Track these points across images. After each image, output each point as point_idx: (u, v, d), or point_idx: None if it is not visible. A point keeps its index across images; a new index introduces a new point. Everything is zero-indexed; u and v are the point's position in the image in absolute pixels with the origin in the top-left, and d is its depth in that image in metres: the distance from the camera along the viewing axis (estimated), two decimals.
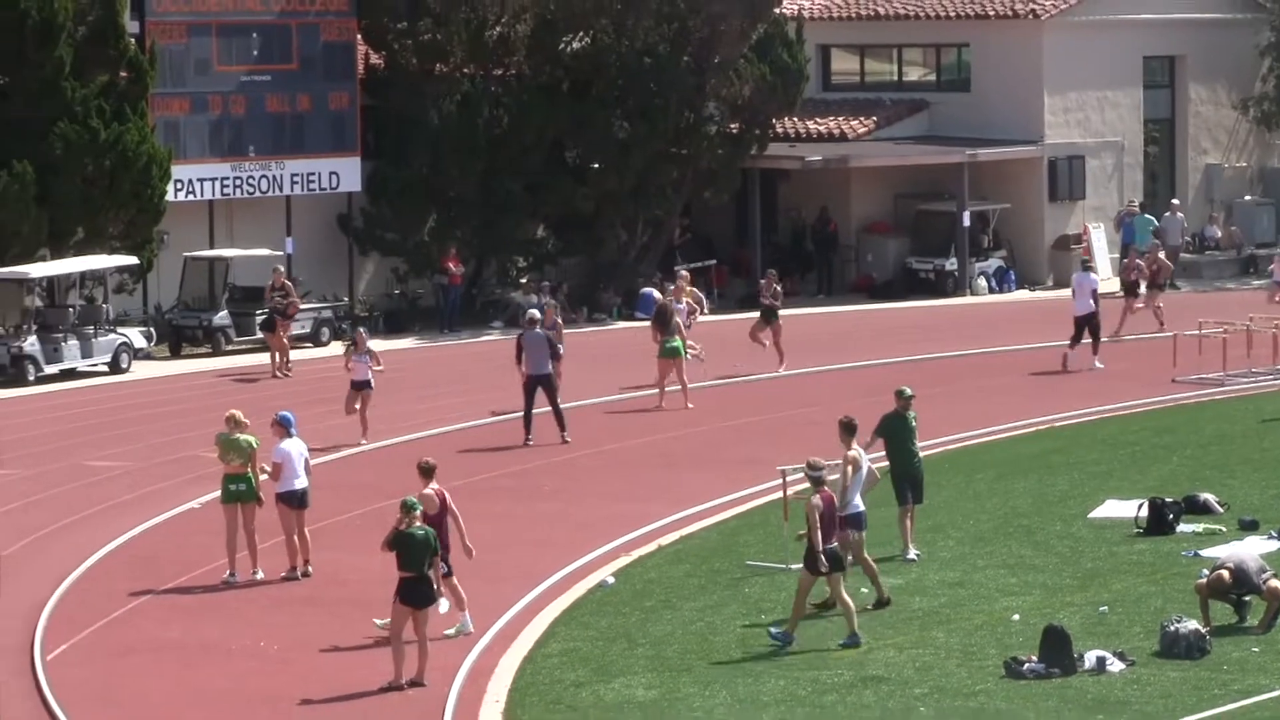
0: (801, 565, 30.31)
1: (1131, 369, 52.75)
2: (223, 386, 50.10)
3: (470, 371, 53.89)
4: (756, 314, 54.56)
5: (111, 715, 27.30)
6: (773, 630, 30.22)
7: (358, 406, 44.05)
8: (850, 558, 31.32)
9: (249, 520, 34.08)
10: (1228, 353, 50.36)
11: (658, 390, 48.32)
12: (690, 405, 47.51)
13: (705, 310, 53.53)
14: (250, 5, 61.06)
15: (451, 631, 30.01)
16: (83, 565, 34.97)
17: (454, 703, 27.38)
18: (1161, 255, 60.12)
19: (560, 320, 48.56)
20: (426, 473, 30.54)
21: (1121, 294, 57.57)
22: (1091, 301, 53.15)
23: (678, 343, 48.08)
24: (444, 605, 29.94)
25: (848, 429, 32.58)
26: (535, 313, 47.40)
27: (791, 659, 29.14)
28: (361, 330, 46.48)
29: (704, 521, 37.88)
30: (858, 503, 31.99)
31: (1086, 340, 52.70)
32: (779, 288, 53.62)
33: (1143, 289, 58.62)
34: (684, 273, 54.24)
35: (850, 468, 32.04)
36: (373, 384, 43.57)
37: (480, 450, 43.74)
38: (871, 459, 35.01)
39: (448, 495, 30.12)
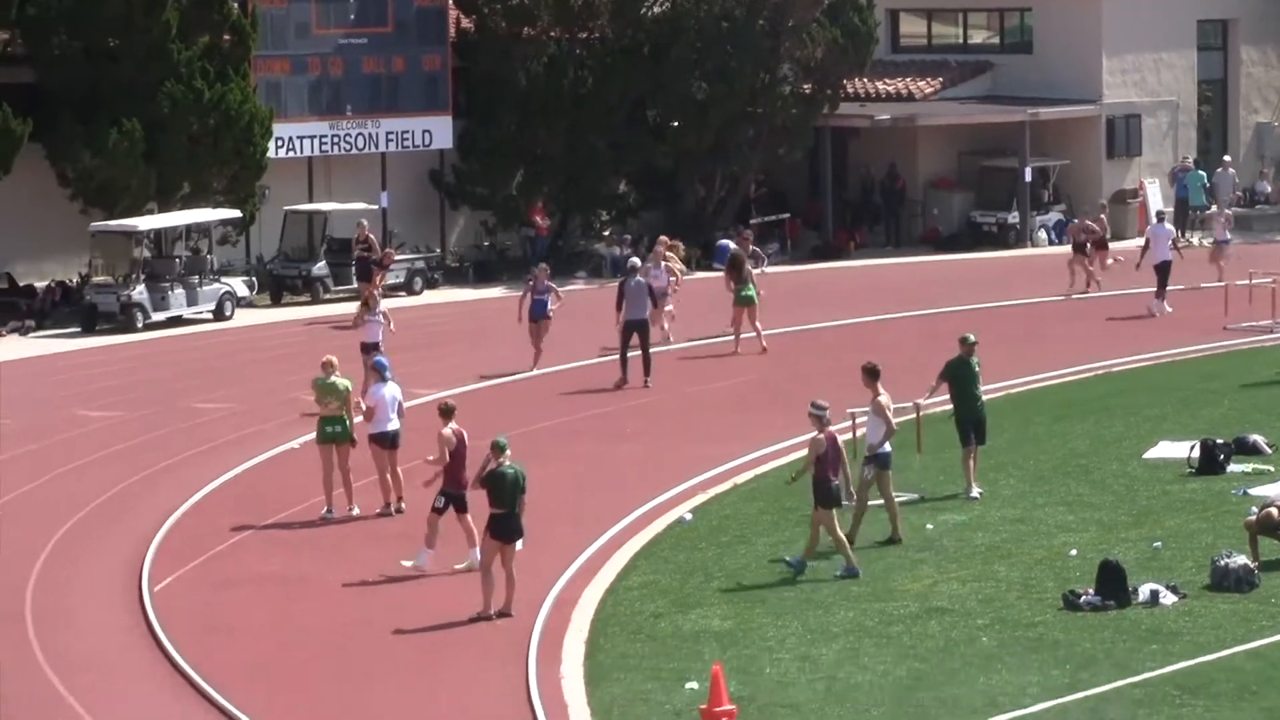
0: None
1: (1186, 317, 52.54)
2: (320, 333, 50.16)
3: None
4: (806, 264, 54.91)
5: (215, 643, 27.55)
6: (787, 559, 30.47)
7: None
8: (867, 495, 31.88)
9: (344, 460, 34.47)
10: (1277, 302, 50.28)
11: (733, 336, 48.25)
12: (765, 349, 47.55)
13: (763, 265, 52.34)
14: None
15: (462, 565, 30.25)
16: (188, 502, 35.40)
17: (539, 632, 27.62)
18: (1093, 224, 60.18)
19: (553, 284, 47.06)
20: (446, 413, 31.00)
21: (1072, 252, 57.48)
22: (1169, 249, 53.51)
23: (751, 290, 48.10)
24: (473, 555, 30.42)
25: (871, 374, 32.71)
26: (636, 260, 47.91)
27: (860, 591, 29.37)
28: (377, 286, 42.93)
29: (776, 461, 37.97)
30: (886, 446, 32.17)
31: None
32: (755, 249, 53.04)
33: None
34: (663, 239, 53.16)
35: (885, 411, 32.15)
36: (381, 345, 41.57)
37: (569, 393, 43.89)
38: (935, 402, 36.19)
39: (465, 434, 30.39)
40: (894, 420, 32.73)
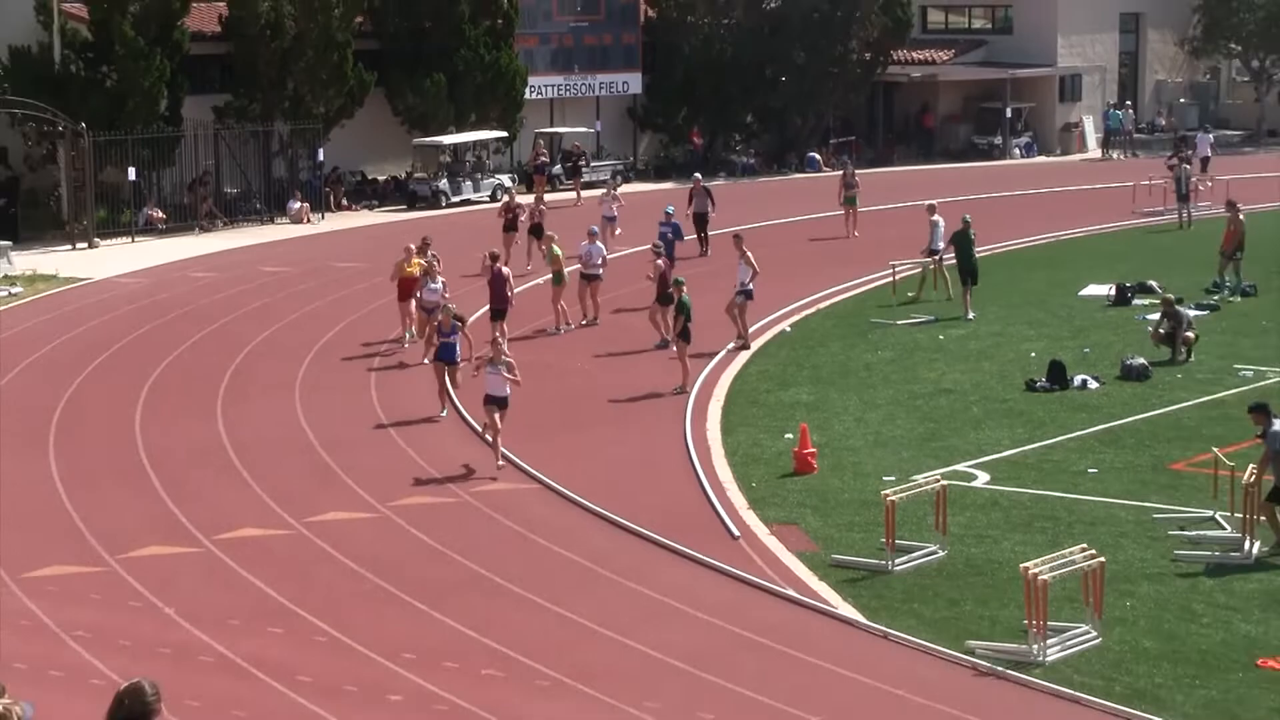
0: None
1: (1110, 205, 52.94)
2: (558, 210, 48.41)
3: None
4: (863, 169, 54.41)
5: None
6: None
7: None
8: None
9: (558, 295, 34.11)
10: (1166, 195, 50.54)
11: (846, 223, 47.12)
12: (857, 235, 46.84)
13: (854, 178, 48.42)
14: None
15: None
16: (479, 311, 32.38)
17: (693, 401, 28.27)
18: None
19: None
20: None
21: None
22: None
23: (854, 194, 46.87)
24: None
25: (737, 238, 33.14)
26: (698, 175, 47.10)
27: (897, 376, 29.97)
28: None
29: (844, 295, 38.84)
30: (750, 285, 32.16)
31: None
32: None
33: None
34: (610, 182, 50.76)
35: (749, 256, 32.24)
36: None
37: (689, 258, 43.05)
38: (946, 260, 36.84)
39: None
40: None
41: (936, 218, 37.89)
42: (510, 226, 40.71)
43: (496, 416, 23.77)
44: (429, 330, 29.53)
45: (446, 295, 30.88)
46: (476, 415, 26.19)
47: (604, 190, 47.76)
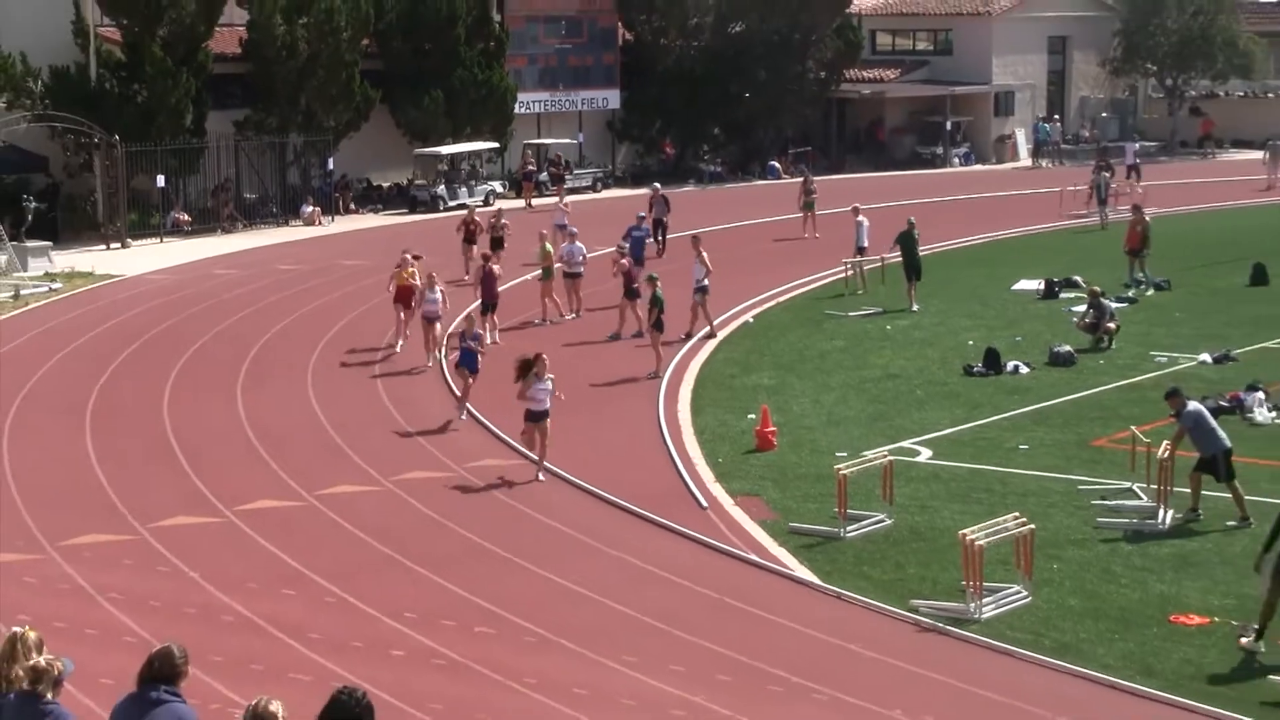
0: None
1: (1039, 209, 52.49)
2: (543, 213, 47.99)
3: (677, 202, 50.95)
4: (820, 176, 54.37)
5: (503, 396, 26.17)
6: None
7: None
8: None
9: (549, 289, 34.01)
10: (1090, 199, 49.79)
11: (805, 226, 46.61)
12: (818, 236, 46.31)
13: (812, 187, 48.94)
14: (561, 6, 61.43)
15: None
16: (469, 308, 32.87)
17: (666, 383, 28.22)
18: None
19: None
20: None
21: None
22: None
23: (813, 200, 46.64)
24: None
25: (694, 240, 33.20)
26: (657, 185, 46.45)
27: (850, 363, 29.80)
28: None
29: (800, 290, 38.63)
30: (705, 281, 32.08)
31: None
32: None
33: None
34: (566, 201, 48.10)
35: (704, 256, 32.06)
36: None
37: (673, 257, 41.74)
38: (892, 259, 36.60)
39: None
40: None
41: (861, 219, 38.46)
42: (470, 239, 39.10)
43: (537, 430, 22.15)
44: (430, 339, 29.43)
45: (446, 305, 30.15)
46: (502, 425, 25.77)
47: (555, 200, 47.87)
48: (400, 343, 31.06)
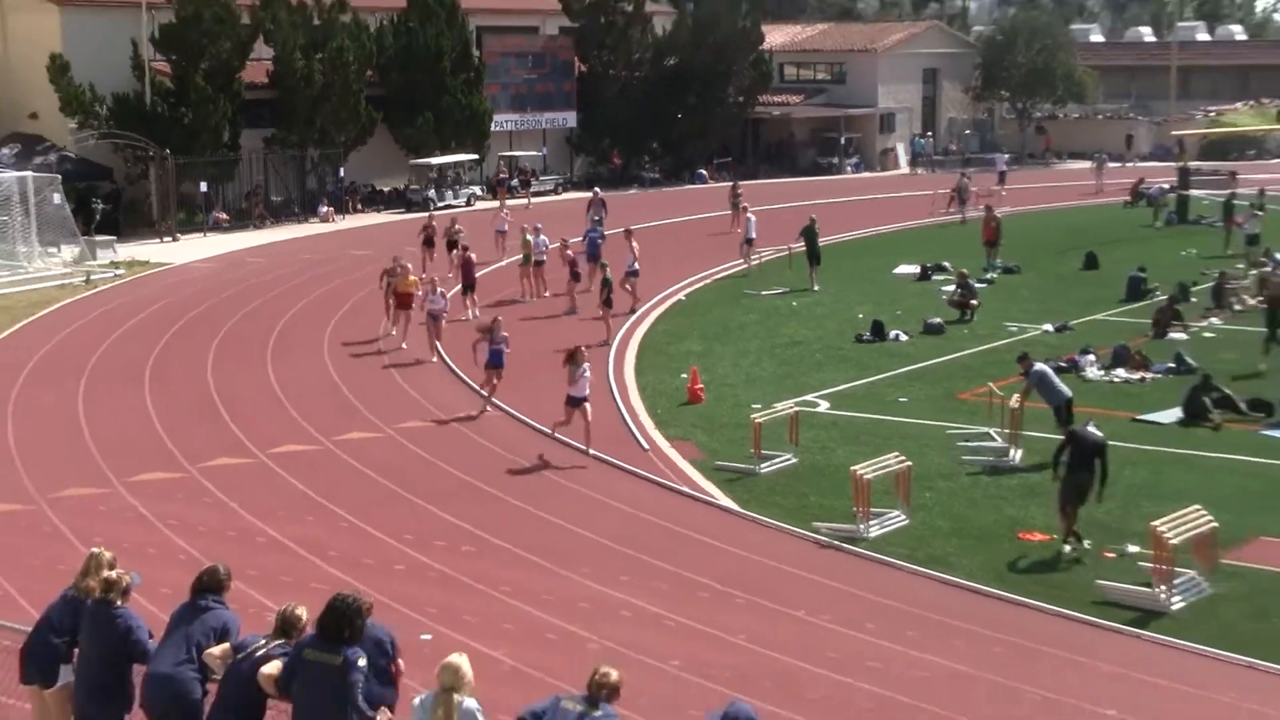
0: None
1: (912, 208, 52.00)
2: (518, 214, 46.35)
3: (619, 205, 50.98)
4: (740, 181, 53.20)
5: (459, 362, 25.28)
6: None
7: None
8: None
9: (539, 273, 33.13)
10: (951, 201, 49.42)
11: (732, 222, 45.38)
12: (739, 231, 43.52)
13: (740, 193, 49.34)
14: (528, 45, 60.90)
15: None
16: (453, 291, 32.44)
17: (614, 350, 27.99)
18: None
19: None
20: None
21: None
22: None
23: (739, 200, 45.55)
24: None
25: (627, 234, 32.99)
26: (597, 189, 45.21)
27: (764, 333, 29.43)
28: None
29: (724, 274, 38.27)
30: (635, 265, 31.74)
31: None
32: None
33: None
34: (502, 198, 48.26)
35: (634, 247, 31.85)
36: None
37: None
38: (797, 248, 36.01)
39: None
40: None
41: (750, 215, 38.35)
42: (428, 242, 36.86)
43: (579, 413, 20.16)
44: (435, 333, 27.27)
45: (448, 307, 28.32)
46: (537, 416, 25.20)
47: (496, 207, 47.20)
48: (403, 345, 28.31)
